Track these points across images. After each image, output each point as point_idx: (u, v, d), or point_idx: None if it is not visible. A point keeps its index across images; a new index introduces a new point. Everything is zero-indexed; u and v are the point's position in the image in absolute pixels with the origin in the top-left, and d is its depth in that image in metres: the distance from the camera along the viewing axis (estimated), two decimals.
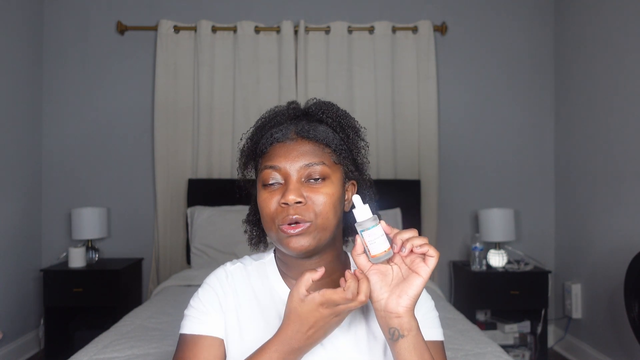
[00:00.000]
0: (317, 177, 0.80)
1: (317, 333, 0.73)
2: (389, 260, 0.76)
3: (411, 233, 0.74)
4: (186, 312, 0.86)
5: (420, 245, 0.73)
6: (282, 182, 0.81)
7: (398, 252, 0.74)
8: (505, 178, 3.19)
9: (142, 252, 3.14)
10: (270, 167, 0.81)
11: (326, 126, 0.86)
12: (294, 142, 0.82)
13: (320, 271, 0.73)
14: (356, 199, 0.76)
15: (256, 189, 0.87)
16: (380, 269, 0.75)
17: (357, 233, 0.76)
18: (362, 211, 0.75)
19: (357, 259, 0.76)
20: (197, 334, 0.83)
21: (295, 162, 0.80)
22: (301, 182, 0.80)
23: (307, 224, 0.78)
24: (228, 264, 0.90)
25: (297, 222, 0.78)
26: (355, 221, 0.76)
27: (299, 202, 0.78)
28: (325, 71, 3.09)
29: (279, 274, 0.89)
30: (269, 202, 0.80)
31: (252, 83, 3.08)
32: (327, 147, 0.83)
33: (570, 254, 2.99)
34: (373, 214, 0.76)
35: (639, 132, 2.36)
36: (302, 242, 0.78)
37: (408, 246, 0.73)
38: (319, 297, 0.71)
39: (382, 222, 0.75)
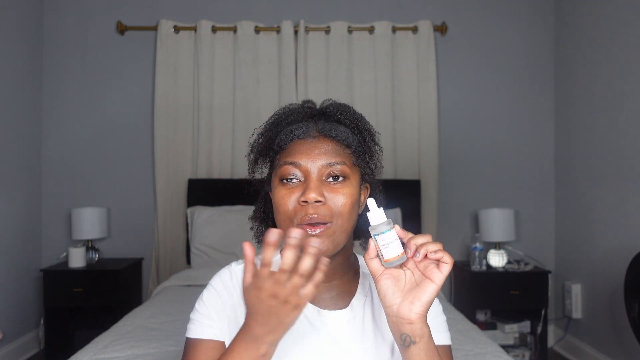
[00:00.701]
0: (338, 176, 0.80)
1: (268, 321, 0.65)
2: (402, 265, 0.75)
3: (425, 238, 0.73)
4: (191, 315, 0.86)
5: (435, 251, 0.71)
6: (302, 179, 0.80)
7: (412, 257, 0.73)
8: (505, 178, 3.19)
9: (142, 252, 3.14)
10: (291, 163, 0.80)
11: (345, 127, 0.85)
12: (315, 140, 0.81)
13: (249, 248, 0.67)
14: (370, 202, 0.75)
15: (270, 185, 0.86)
16: (393, 274, 0.74)
17: (370, 236, 0.75)
18: (376, 215, 0.74)
19: (370, 263, 0.75)
20: (200, 338, 0.83)
21: (317, 160, 0.79)
22: (321, 180, 0.79)
23: (326, 225, 0.77)
24: (233, 264, 0.89)
25: (316, 223, 0.77)
26: (368, 224, 0.75)
27: (319, 202, 0.77)
28: (325, 71, 3.08)
29: None
30: (287, 199, 0.79)
31: (252, 83, 3.08)
32: (347, 147, 0.82)
33: (570, 254, 2.99)
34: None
35: (639, 132, 2.36)
36: (320, 246, 0.76)
37: (422, 251, 0.72)
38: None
39: (397, 226, 0.74)
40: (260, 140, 0.88)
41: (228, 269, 0.89)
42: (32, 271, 2.96)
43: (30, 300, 2.94)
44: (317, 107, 0.89)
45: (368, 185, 0.89)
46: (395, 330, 0.74)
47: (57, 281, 2.75)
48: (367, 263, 0.75)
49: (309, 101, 0.91)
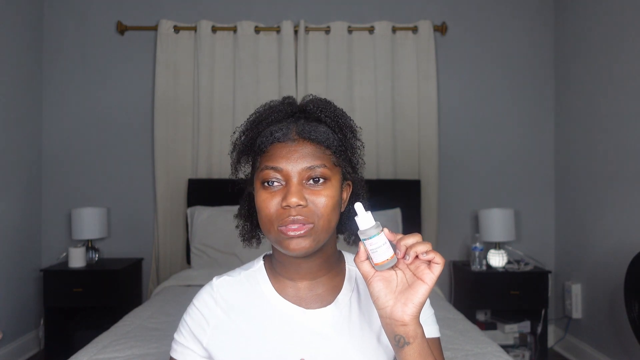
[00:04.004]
0: (318, 179, 0.80)
1: None
2: (393, 267, 0.75)
3: (415, 238, 0.73)
4: (175, 335, 0.90)
5: (426, 252, 0.71)
6: (283, 183, 0.81)
7: (402, 259, 0.73)
8: (505, 178, 3.19)
9: (142, 252, 3.14)
10: (272, 167, 0.80)
11: (325, 126, 0.86)
12: (295, 143, 0.82)
13: None
14: (358, 206, 0.75)
15: (252, 185, 0.87)
16: (384, 276, 0.75)
17: (360, 240, 0.75)
18: (364, 219, 0.74)
19: (361, 266, 0.75)
20: None
21: (297, 164, 0.80)
22: (302, 184, 0.80)
23: (309, 226, 0.78)
24: (214, 279, 0.91)
25: (298, 223, 0.78)
26: (353, 223, 0.76)
27: (301, 205, 0.78)
28: (325, 71, 3.08)
29: (269, 281, 0.89)
30: (269, 202, 0.80)
31: (252, 83, 3.08)
32: (327, 148, 0.83)
33: (570, 254, 2.99)
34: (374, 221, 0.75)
35: (639, 132, 2.36)
36: (303, 244, 0.78)
37: (412, 253, 0.72)
38: None
39: (385, 229, 0.74)
40: (242, 138, 0.89)
41: (210, 285, 0.90)
42: (32, 271, 2.96)
43: (30, 300, 2.94)
44: (298, 103, 0.89)
45: (350, 183, 0.90)
46: (389, 331, 0.75)
47: (57, 281, 2.75)
48: (358, 266, 0.75)
49: (289, 97, 0.91)
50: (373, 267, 0.74)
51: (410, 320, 0.72)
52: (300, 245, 0.78)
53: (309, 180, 0.80)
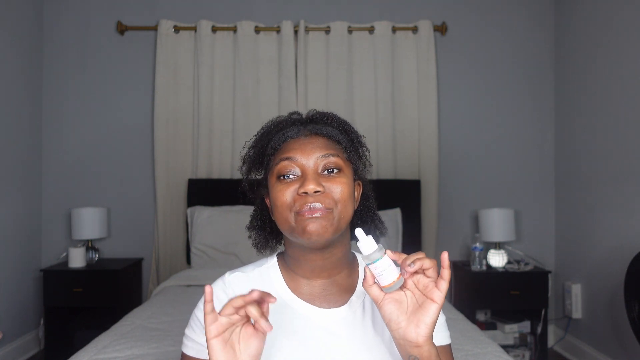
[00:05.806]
0: (333, 167, 0.82)
1: None
2: (402, 287, 0.75)
3: (419, 256, 0.74)
4: (186, 330, 0.89)
5: (432, 269, 0.73)
6: (299, 174, 0.82)
7: (409, 278, 0.74)
8: (505, 178, 3.19)
9: (142, 252, 3.14)
10: (287, 158, 0.82)
11: (333, 128, 0.89)
12: (308, 138, 0.85)
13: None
14: (359, 232, 0.75)
15: (266, 188, 0.88)
16: (394, 298, 0.75)
17: (368, 261, 0.75)
18: (366, 244, 0.74)
19: (370, 291, 0.75)
20: (191, 355, 0.87)
21: (311, 154, 0.82)
22: (317, 173, 0.82)
23: (327, 210, 0.79)
24: (227, 274, 0.91)
25: (316, 210, 0.78)
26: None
27: (318, 191, 0.79)
28: (325, 71, 3.08)
29: (282, 277, 0.90)
30: (285, 192, 0.81)
31: (252, 83, 3.08)
32: (339, 143, 0.86)
33: (570, 254, 2.99)
34: (376, 243, 0.75)
35: (639, 132, 2.36)
36: (319, 227, 0.78)
37: (417, 264, 0.73)
38: None
39: (388, 251, 0.75)
40: (252, 152, 0.91)
41: (222, 280, 0.90)
42: (32, 271, 2.96)
43: (30, 300, 2.94)
44: (304, 116, 0.93)
45: (360, 182, 0.92)
46: (403, 352, 0.75)
47: (57, 281, 2.75)
48: (367, 291, 0.76)
49: (295, 112, 0.94)
50: (382, 290, 0.74)
51: (424, 342, 0.73)
52: (316, 227, 0.78)
53: (324, 171, 0.82)
